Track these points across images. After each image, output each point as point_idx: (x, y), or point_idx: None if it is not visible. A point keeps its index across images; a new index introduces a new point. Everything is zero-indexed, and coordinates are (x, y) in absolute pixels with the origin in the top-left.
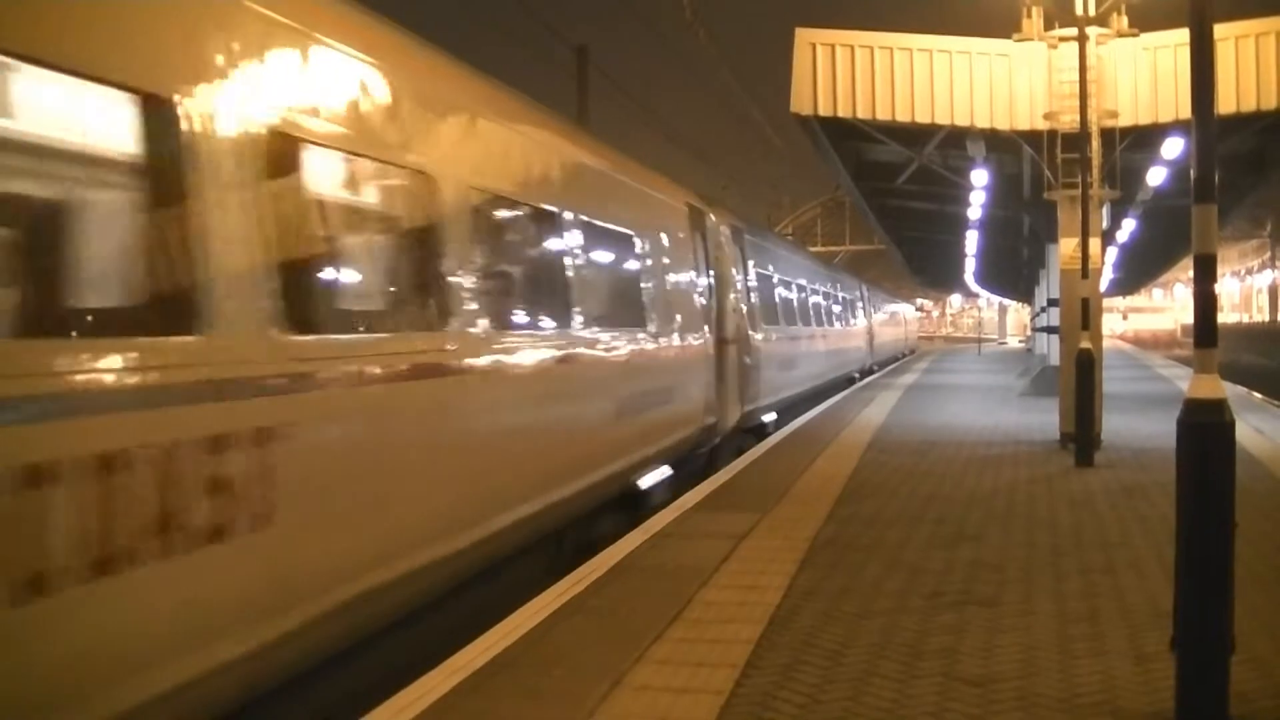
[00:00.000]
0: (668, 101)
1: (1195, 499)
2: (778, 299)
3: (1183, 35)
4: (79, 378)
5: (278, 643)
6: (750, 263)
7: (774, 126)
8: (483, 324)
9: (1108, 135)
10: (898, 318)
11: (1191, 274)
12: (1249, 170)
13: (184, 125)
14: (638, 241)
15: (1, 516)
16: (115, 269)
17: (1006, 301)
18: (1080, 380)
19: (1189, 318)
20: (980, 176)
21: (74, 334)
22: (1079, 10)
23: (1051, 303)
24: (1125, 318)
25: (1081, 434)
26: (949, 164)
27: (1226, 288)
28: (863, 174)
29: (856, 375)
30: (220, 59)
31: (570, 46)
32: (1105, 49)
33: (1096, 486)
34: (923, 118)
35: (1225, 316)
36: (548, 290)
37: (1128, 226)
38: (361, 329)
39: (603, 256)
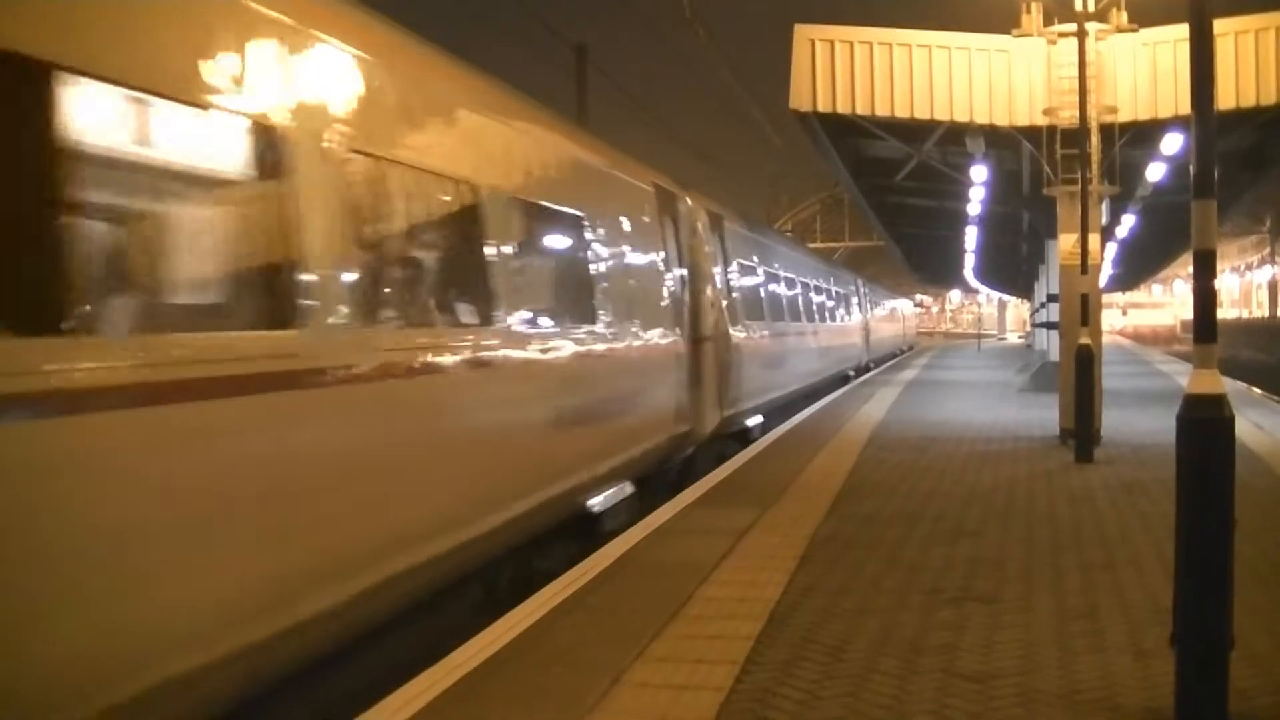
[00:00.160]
0: (667, 100)
1: (1195, 495)
2: (763, 293)
3: (1182, 31)
4: None
5: None
6: (731, 253)
7: (773, 124)
8: (351, 321)
9: (1107, 131)
10: (895, 313)
11: (1191, 269)
12: (1248, 166)
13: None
14: (589, 225)
15: None
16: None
17: (1006, 297)
18: (1080, 376)
19: (1188, 313)
20: (979, 172)
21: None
22: (1078, 6)
23: (1051, 298)
24: (1125, 313)
25: (1081, 430)
26: (948, 160)
27: (1226, 283)
28: (862, 170)
29: (851, 373)
30: None
31: (569, 46)
32: (1104, 45)
33: (1096, 482)
34: (922, 114)
35: (1225, 312)
36: (458, 279)
37: (1127, 222)
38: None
39: (539, 241)
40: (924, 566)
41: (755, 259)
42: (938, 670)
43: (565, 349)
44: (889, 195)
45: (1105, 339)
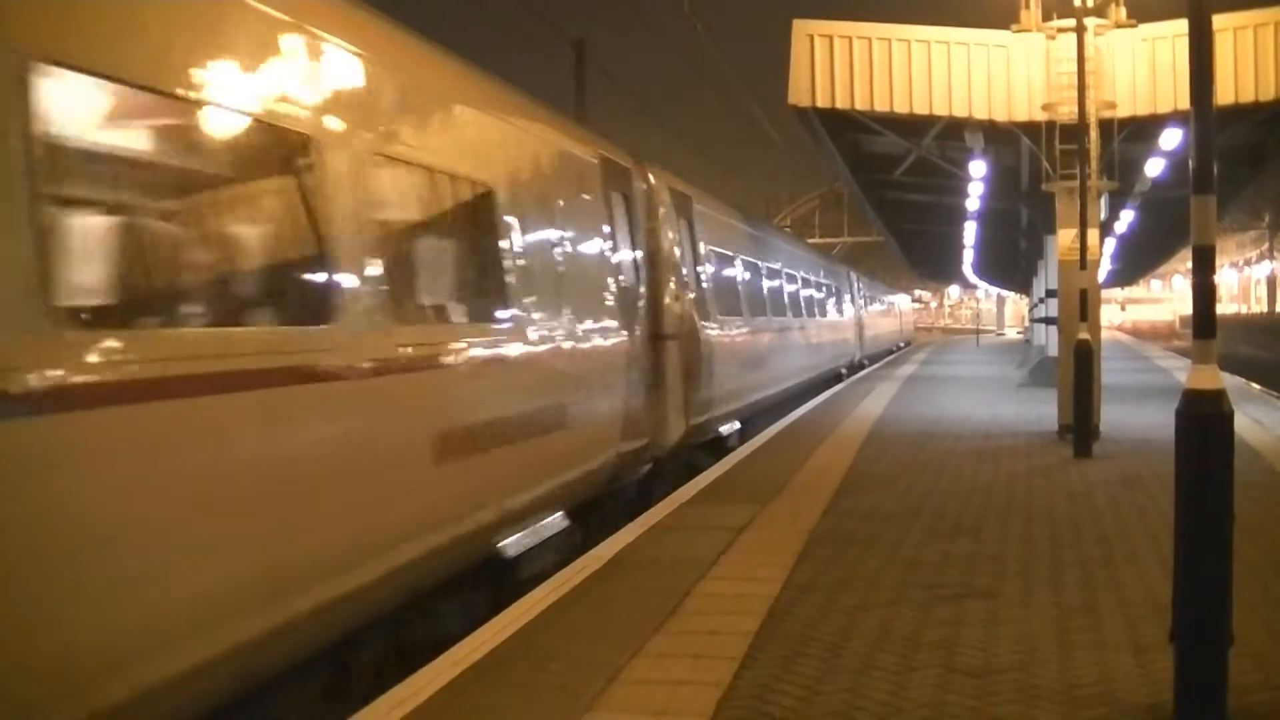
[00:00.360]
0: (666, 96)
1: (1194, 490)
2: (741, 284)
3: (1181, 26)
4: None
5: None
6: (703, 239)
7: (772, 120)
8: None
9: (1106, 126)
10: (892, 308)
11: (1190, 265)
12: (1247, 161)
13: None
14: (499, 198)
15: None
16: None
17: (1005, 293)
18: (1078, 371)
19: (1187, 309)
20: (978, 168)
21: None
22: (1077, 2)
23: (1049, 294)
24: (1123, 309)
25: (1080, 425)
26: (947, 155)
27: (1225, 279)
28: (861, 166)
29: (844, 372)
30: None
31: (568, 41)
32: (1103, 40)
33: (1095, 478)
34: (921, 109)
35: (1223, 308)
36: (282, 263)
37: (1126, 218)
38: None
39: (416, 213)
40: (923, 562)
41: (732, 247)
42: (936, 666)
43: (453, 350)
44: (888, 190)
45: (1104, 334)
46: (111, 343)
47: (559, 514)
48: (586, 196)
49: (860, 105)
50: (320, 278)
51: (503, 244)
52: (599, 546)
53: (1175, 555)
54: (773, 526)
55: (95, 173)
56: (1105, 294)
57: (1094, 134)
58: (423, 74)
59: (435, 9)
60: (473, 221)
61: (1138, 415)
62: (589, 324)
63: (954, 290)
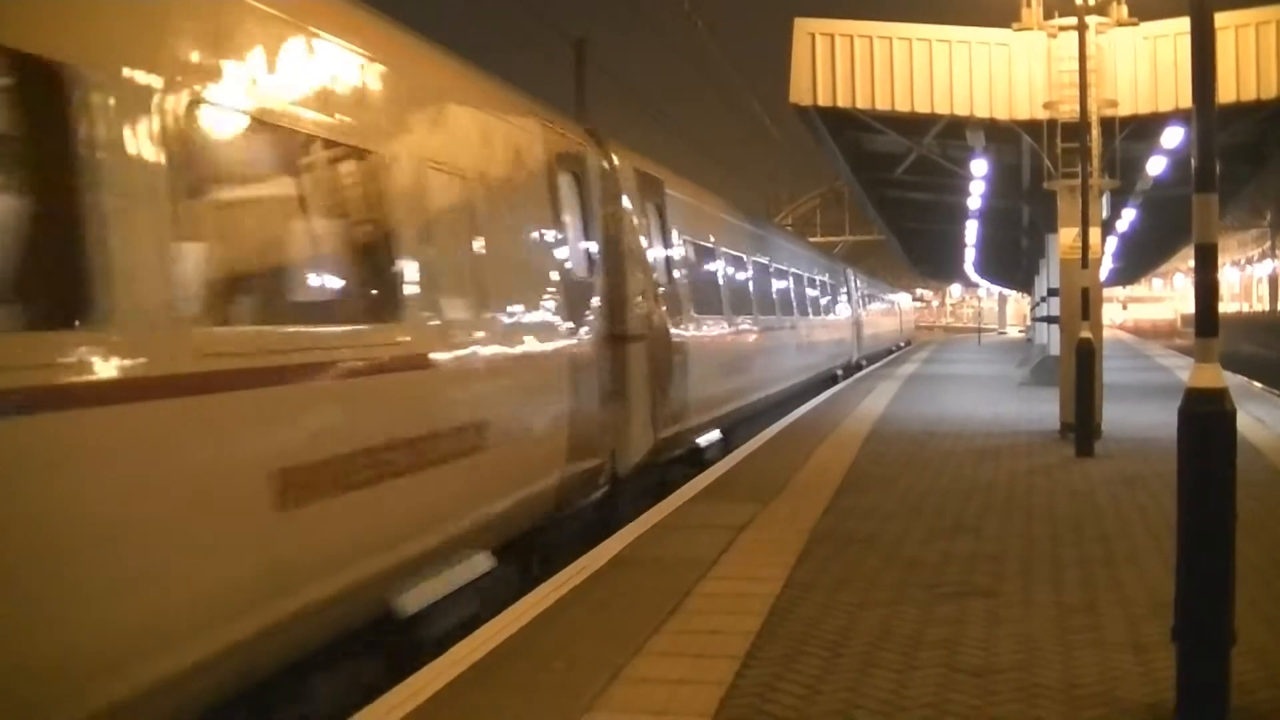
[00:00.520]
0: (666, 95)
1: (1196, 489)
2: (723, 279)
3: (1182, 24)
4: None
5: None
6: (676, 229)
7: (772, 118)
8: None
9: (1107, 125)
10: (891, 307)
11: (1191, 264)
12: (1248, 160)
13: None
14: (387, 166)
15: None
16: None
17: (1006, 291)
18: (1080, 370)
19: (1189, 307)
20: (979, 166)
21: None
22: (1078, 0)
23: (1051, 293)
24: (1125, 307)
25: (1081, 424)
26: (948, 154)
27: (1226, 277)
28: (862, 164)
29: (839, 373)
30: None
31: (568, 41)
32: (1105, 38)
33: (1096, 477)
34: (922, 107)
35: (1225, 306)
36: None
37: (1127, 216)
38: None
39: (261, 180)
40: (924, 561)
41: (713, 238)
42: (938, 665)
43: (306, 359)
44: (889, 189)
45: (1105, 333)
46: None
47: (483, 554)
48: (523, 172)
49: (861, 104)
50: (74, 260)
51: (396, 232)
52: (600, 546)
53: (1177, 553)
54: (774, 525)
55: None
56: (1107, 293)
57: (1095, 132)
58: (339, 37)
59: (436, 9)
60: (341, 192)
61: (1139, 414)
62: (522, 323)
63: (956, 289)
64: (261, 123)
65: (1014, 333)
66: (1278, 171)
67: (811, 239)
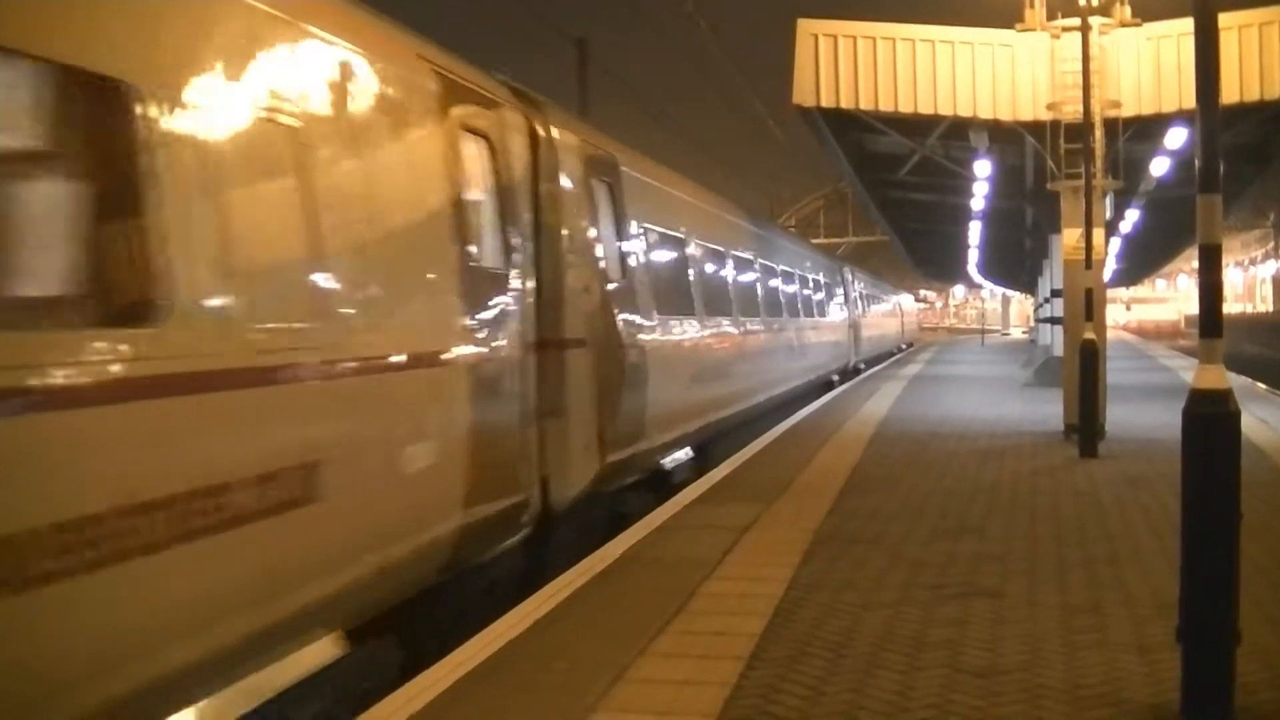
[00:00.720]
0: (668, 95)
1: (1200, 490)
2: (695, 275)
3: (1185, 25)
4: None
5: None
6: (638, 216)
7: (775, 118)
8: None
9: (1110, 126)
10: (892, 307)
11: (1195, 264)
12: (1252, 160)
13: None
14: (153, 110)
15: None
16: None
17: (1010, 292)
18: (1084, 371)
19: (1191, 308)
20: (983, 167)
21: None
22: (1082, 0)
23: (1055, 294)
24: (1129, 308)
25: (1085, 425)
26: (951, 155)
27: (1230, 278)
28: (865, 165)
29: (835, 379)
30: None
31: (570, 41)
32: (1108, 39)
33: (1100, 478)
34: (925, 109)
35: (1228, 307)
36: None
37: (1131, 217)
38: None
39: None
40: (928, 562)
41: (682, 228)
42: (942, 665)
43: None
44: (892, 190)
45: (1109, 334)
46: None
47: (326, 639)
48: (398, 130)
49: (864, 105)
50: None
51: (146, 182)
52: (604, 547)
53: (1181, 554)
54: (777, 526)
55: None
56: (1110, 293)
57: (1099, 133)
58: None
59: (437, 10)
60: (101, 156)
61: (1143, 415)
62: (386, 326)
63: (959, 290)
64: None
65: (1017, 334)
66: None
67: (815, 240)
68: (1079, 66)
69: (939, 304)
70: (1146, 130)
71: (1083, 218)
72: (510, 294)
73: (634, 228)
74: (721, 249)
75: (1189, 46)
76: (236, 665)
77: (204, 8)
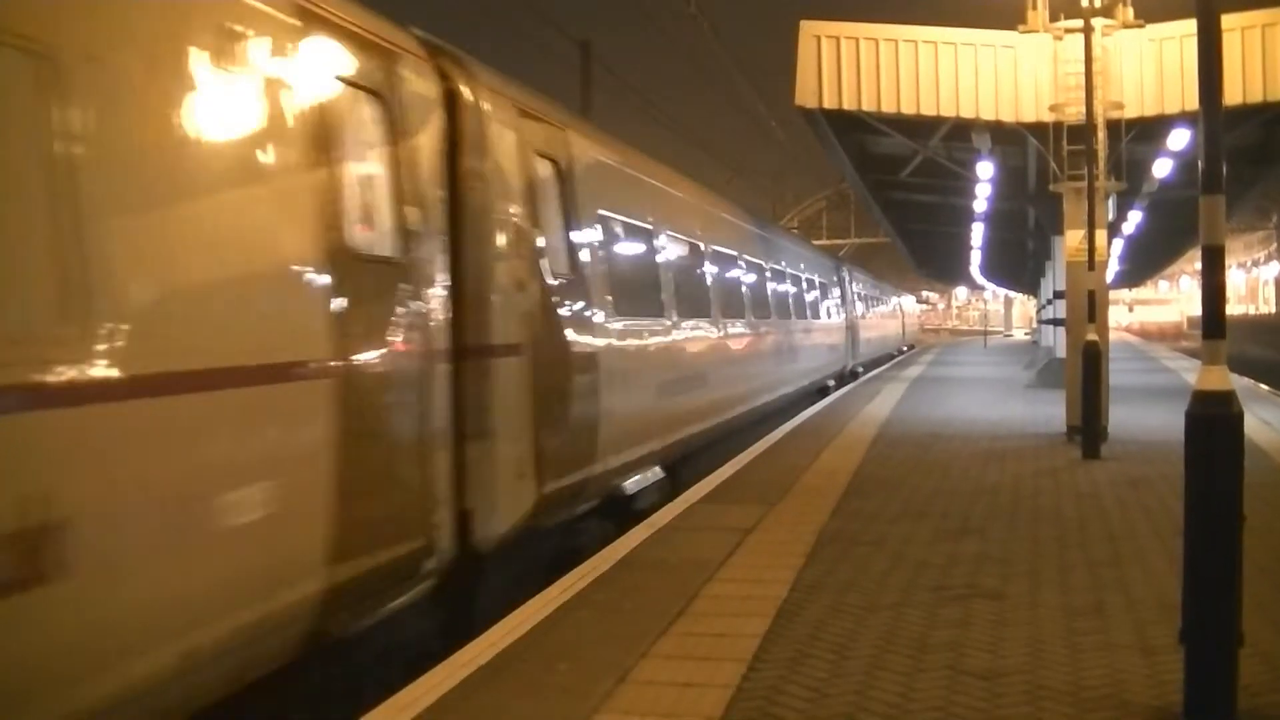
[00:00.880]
0: (671, 95)
1: (1203, 491)
2: (664, 271)
3: (1188, 26)
4: None
5: None
6: (592, 201)
7: (778, 119)
8: None
9: (1113, 127)
10: (892, 308)
11: (1197, 266)
12: (1254, 161)
13: None
14: None
15: None
16: None
17: (1012, 294)
18: (1086, 372)
19: (1194, 310)
20: (985, 169)
21: None
22: (1084, 2)
23: (1057, 295)
24: (1131, 310)
25: (1088, 426)
26: (954, 156)
27: (1232, 279)
28: (867, 167)
29: (831, 384)
30: None
31: (573, 41)
32: (1111, 40)
33: (1103, 479)
34: (928, 110)
35: (1231, 308)
36: None
37: (1133, 218)
38: None
39: None
40: (930, 563)
41: (650, 217)
42: (945, 667)
43: None
44: (895, 191)
45: (1111, 335)
46: None
47: None
48: (231, 79)
49: (867, 106)
50: None
51: None
52: (607, 549)
53: (1184, 556)
54: (780, 528)
55: None
56: (1113, 295)
57: (1101, 134)
58: None
59: (440, 10)
60: None
61: (1146, 416)
62: (197, 331)
63: (961, 291)
64: None
65: (1020, 335)
66: None
67: (817, 241)
68: (1081, 68)
69: (941, 305)
70: (1149, 131)
71: (1085, 219)
72: (411, 289)
73: (587, 214)
74: (700, 243)
75: (1192, 48)
76: None
77: None
